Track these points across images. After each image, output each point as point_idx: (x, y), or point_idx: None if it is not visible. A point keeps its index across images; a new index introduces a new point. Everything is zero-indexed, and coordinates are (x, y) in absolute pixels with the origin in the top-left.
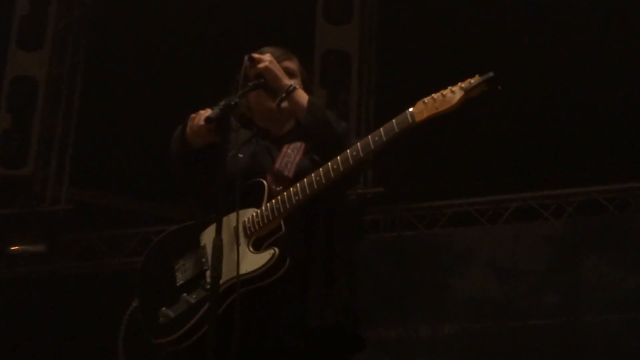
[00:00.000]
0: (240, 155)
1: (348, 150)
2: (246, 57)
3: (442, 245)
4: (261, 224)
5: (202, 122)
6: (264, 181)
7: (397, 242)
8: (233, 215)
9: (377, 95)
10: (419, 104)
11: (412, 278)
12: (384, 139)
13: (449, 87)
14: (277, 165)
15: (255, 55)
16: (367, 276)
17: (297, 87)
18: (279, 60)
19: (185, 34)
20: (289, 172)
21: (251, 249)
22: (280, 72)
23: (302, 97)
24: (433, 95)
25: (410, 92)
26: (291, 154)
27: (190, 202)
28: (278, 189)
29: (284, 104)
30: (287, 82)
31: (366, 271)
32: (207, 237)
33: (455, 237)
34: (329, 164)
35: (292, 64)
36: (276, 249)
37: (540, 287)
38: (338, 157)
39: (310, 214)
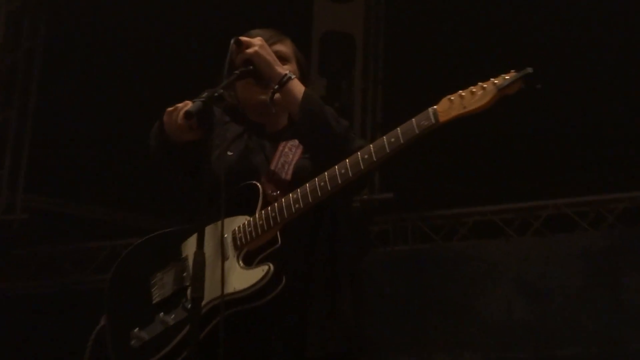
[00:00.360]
0: (230, 153)
1: (359, 153)
2: (232, 41)
3: (462, 260)
4: (254, 235)
5: (181, 118)
6: (259, 184)
7: (409, 257)
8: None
9: (385, 85)
10: (444, 102)
11: (427, 299)
12: (402, 141)
13: (480, 83)
14: (272, 166)
15: (243, 39)
16: (375, 296)
17: (293, 76)
18: (269, 43)
19: (161, 14)
20: (287, 174)
21: (241, 264)
22: (272, 58)
23: (297, 89)
24: (460, 92)
25: (425, 81)
26: (288, 153)
27: (171, 209)
28: (274, 194)
29: (277, 96)
30: (281, 70)
31: (374, 291)
32: (190, 247)
33: (477, 250)
34: (336, 168)
35: (284, 47)
36: (271, 265)
37: (575, 309)
38: (347, 161)
39: (311, 224)
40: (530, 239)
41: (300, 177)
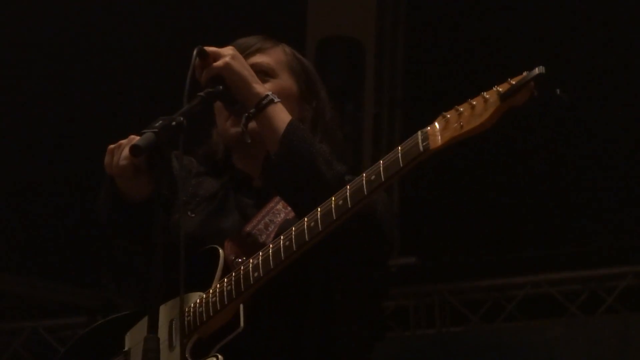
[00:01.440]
0: (191, 215)
1: (333, 198)
2: (195, 51)
3: (509, 348)
4: (204, 317)
5: (125, 156)
6: (220, 249)
7: (436, 344)
8: (173, 304)
9: (405, 108)
10: (439, 121)
11: None
12: (383, 178)
13: (482, 94)
14: (249, 227)
15: (209, 49)
16: None
17: (277, 99)
18: (246, 54)
19: (123, 19)
20: (268, 236)
21: (188, 357)
22: (248, 74)
23: (280, 117)
24: (458, 107)
25: (459, 103)
26: (279, 212)
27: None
28: (239, 260)
29: (253, 125)
30: (260, 89)
31: None
32: (135, 337)
33: (529, 335)
34: (305, 220)
35: (266, 58)
36: (220, 358)
37: None
38: (318, 209)
39: (294, 300)
40: (602, 319)
41: None
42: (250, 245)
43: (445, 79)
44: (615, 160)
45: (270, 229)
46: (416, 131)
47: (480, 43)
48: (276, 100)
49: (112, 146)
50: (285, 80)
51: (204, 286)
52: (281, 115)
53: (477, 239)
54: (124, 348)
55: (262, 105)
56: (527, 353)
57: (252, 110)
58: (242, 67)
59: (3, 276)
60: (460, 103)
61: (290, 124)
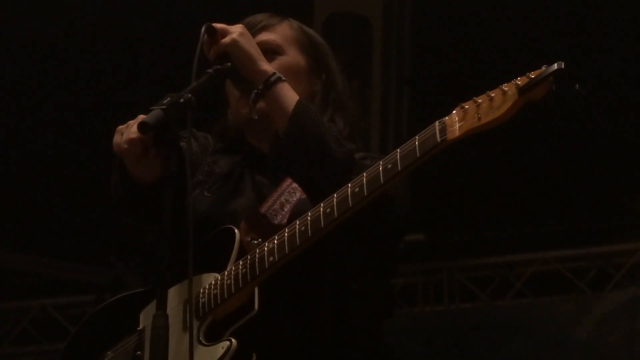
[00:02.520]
0: (207, 194)
1: (349, 186)
2: (203, 29)
3: (517, 325)
4: (218, 299)
5: (133, 132)
6: (236, 230)
7: (445, 320)
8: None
9: (413, 85)
10: (457, 112)
11: None
12: (399, 168)
13: (501, 86)
14: (264, 208)
15: (218, 25)
16: None
17: (283, 77)
18: (253, 32)
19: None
20: (283, 217)
21: (202, 339)
22: (255, 51)
23: (288, 95)
24: (476, 98)
25: (468, 81)
26: (294, 192)
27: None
28: (254, 242)
29: (261, 105)
30: (266, 67)
31: None
32: (149, 316)
33: (537, 312)
34: (321, 206)
35: (273, 35)
36: (232, 341)
37: None
38: (334, 196)
39: (307, 282)
40: (612, 296)
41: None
42: (265, 227)
43: (452, 56)
44: (623, 137)
45: (285, 209)
46: (423, 109)
47: (488, 19)
48: (283, 78)
49: (121, 126)
50: (293, 56)
51: (219, 267)
52: (289, 94)
53: (486, 216)
54: (138, 326)
55: (269, 83)
56: (535, 330)
57: (260, 87)
58: (250, 44)
59: (11, 254)
60: (467, 82)
61: (298, 102)
